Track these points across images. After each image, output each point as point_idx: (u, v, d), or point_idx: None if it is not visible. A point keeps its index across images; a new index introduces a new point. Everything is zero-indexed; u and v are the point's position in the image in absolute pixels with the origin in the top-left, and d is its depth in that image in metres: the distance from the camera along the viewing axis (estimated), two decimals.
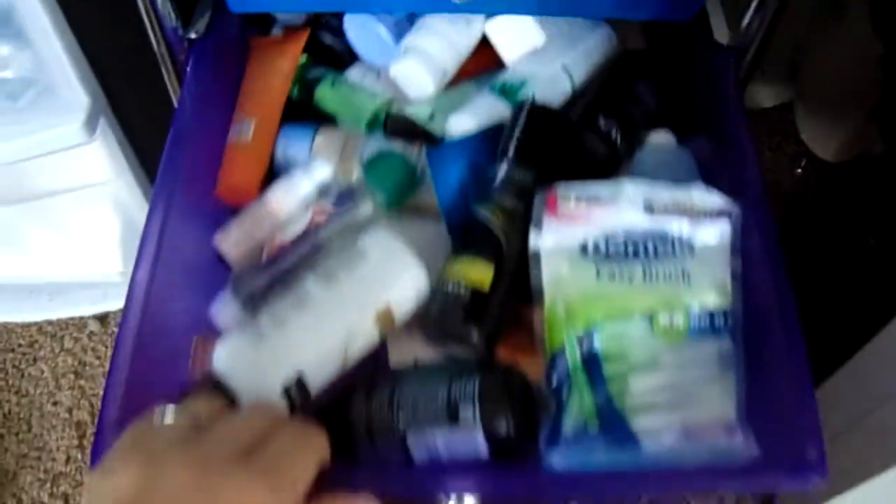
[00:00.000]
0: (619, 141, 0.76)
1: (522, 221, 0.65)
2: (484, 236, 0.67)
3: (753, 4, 0.76)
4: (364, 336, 0.63)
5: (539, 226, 0.63)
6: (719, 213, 0.63)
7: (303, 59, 0.87)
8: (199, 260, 0.75)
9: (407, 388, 0.62)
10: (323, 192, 0.75)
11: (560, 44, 0.82)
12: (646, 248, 0.63)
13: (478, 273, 0.65)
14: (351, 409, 0.62)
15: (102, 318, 1.35)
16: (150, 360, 0.64)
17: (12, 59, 0.91)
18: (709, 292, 0.61)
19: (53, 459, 1.25)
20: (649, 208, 0.63)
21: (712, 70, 0.81)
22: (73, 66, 0.92)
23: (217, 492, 0.41)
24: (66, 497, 1.22)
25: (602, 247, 0.63)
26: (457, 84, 0.84)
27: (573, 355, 0.60)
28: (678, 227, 0.63)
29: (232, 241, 0.74)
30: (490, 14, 0.81)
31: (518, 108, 0.74)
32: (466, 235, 0.69)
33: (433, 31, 0.80)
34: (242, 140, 0.82)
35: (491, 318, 0.65)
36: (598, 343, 0.60)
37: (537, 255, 0.63)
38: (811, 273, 1.29)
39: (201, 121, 0.81)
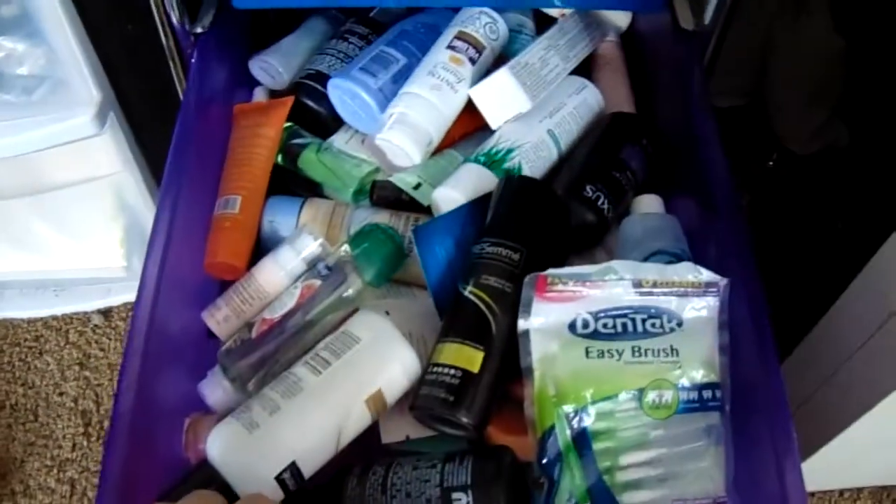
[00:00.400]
0: (606, 208, 0.76)
1: (511, 299, 0.65)
2: (473, 317, 0.66)
3: None
4: (357, 420, 0.63)
5: (528, 307, 0.62)
6: (707, 288, 0.64)
7: (287, 124, 0.87)
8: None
9: (401, 471, 0.61)
10: (311, 265, 0.75)
11: (545, 107, 0.82)
12: (634, 325, 0.62)
13: (467, 356, 0.64)
14: (343, 493, 0.62)
15: (106, 313, 1.40)
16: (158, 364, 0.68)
17: (27, 56, 0.97)
18: (697, 367, 0.61)
19: (60, 447, 1.29)
20: (637, 286, 0.63)
21: (679, 58, 0.87)
22: (86, 61, 0.98)
23: None
24: (72, 482, 1.26)
25: (591, 325, 0.62)
26: (443, 150, 0.84)
27: (563, 434, 0.60)
28: (666, 303, 0.63)
29: (220, 318, 0.75)
30: (468, 6, 0.86)
31: (500, 182, 0.74)
32: (455, 315, 0.67)
33: (418, 100, 0.79)
34: (229, 214, 0.80)
35: (481, 401, 0.63)
36: (588, 421, 0.60)
37: (527, 335, 0.62)
38: (784, 254, 1.35)
39: (207, 112, 0.86)
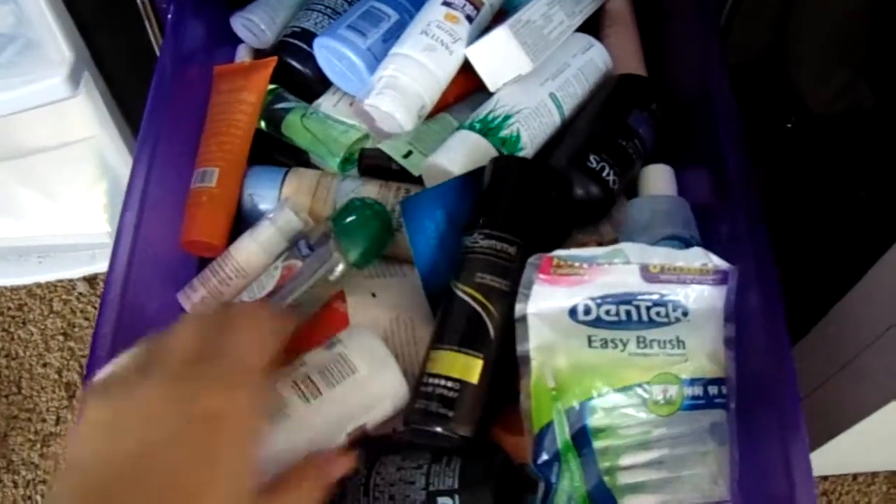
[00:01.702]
0: (611, 180, 0.70)
1: (508, 298, 0.59)
2: (467, 320, 0.60)
3: None
4: (333, 446, 0.57)
5: (528, 289, 0.58)
6: (714, 276, 0.59)
7: (270, 87, 0.82)
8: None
9: (384, 472, 0.58)
10: (292, 242, 0.71)
11: (547, 68, 0.76)
12: (639, 314, 0.58)
13: (464, 365, 0.58)
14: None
15: (91, 280, 1.36)
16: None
17: None
18: (703, 361, 0.58)
19: (43, 420, 1.25)
20: (644, 271, 0.59)
21: (693, 14, 0.81)
22: (56, 20, 0.92)
23: (182, 401, 0.41)
24: (56, 457, 1.22)
25: (593, 311, 0.58)
26: (437, 114, 0.79)
27: (563, 431, 0.55)
28: (672, 290, 0.59)
29: (197, 300, 0.71)
30: None
31: (490, 165, 0.67)
32: (447, 318, 0.61)
33: (410, 62, 0.73)
34: (206, 188, 0.75)
35: (481, 413, 0.58)
36: (589, 418, 0.55)
37: (524, 320, 0.57)
38: (803, 225, 1.29)
39: (185, 72, 0.80)
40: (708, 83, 0.74)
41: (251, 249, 0.71)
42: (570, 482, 0.54)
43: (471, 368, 0.58)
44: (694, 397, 0.57)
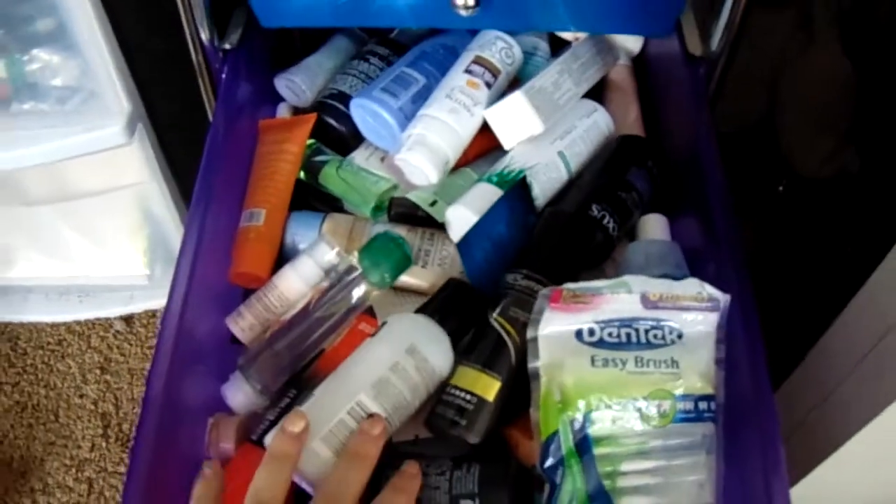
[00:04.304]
0: (612, 227, 0.79)
1: None
2: (495, 346, 0.69)
3: (722, 19, 0.85)
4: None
5: (539, 316, 0.65)
6: (708, 303, 0.65)
7: (309, 142, 0.90)
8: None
9: None
10: (327, 272, 0.79)
11: (556, 130, 0.85)
12: (638, 336, 0.65)
13: (484, 383, 0.68)
14: None
15: (127, 319, 1.44)
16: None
17: (63, 68, 1.01)
18: (695, 379, 0.63)
19: (79, 447, 1.33)
20: (644, 299, 0.65)
21: (686, 83, 0.89)
22: (118, 74, 1.02)
23: None
24: (90, 482, 1.30)
25: (597, 333, 0.65)
26: (459, 168, 0.88)
27: (567, 439, 0.62)
28: (669, 316, 0.65)
29: (244, 325, 0.79)
30: (483, 27, 0.89)
31: (546, 216, 0.78)
32: (478, 339, 0.71)
33: (436, 122, 0.82)
34: (254, 226, 0.84)
35: (490, 426, 0.67)
36: (591, 427, 0.62)
37: (535, 341, 0.65)
38: (794, 279, 1.37)
39: (234, 126, 0.89)
40: (698, 144, 0.83)
41: (292, 279, 0.79)
42: (573, 484, 0.62)
43: (489, 387, 0.68)
44: (686, 411, 0.63)
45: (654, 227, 0.82)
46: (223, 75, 0.92)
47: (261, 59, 0.98)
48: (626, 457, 0.62)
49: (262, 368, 0.74)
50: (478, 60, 0.86)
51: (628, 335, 0.65)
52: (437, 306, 0.73)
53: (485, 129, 0.86)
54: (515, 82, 0.89)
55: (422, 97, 0.87)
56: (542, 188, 0.82)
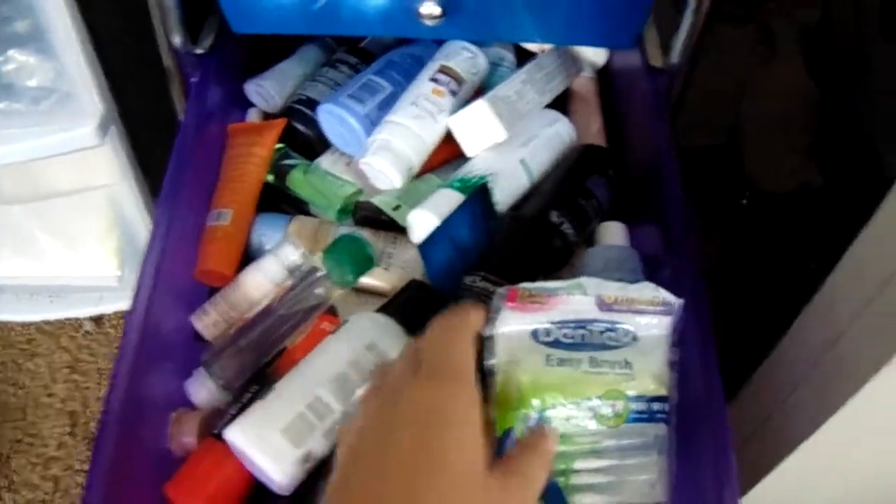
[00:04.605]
0: (570, 233, 0.81)
1: None
2: None
3: (682, 32, 0.88)
4: None
5: (496, 315, 0.66)
6: (663, 307, 0.67)
7: (278, 146, 0.92)
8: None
9: None
10: (291, 272, 0.81)
11: (519, 138, 0.87)
12: (593, 337, 0.65)
13: None
14: (317, 492, 0.65)
15: (97, 320, 1.45)
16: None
17: (38, 69, 1.02)
18: (648, 380, 0.64)
19: (45, 445, 1.34)
20: (600, 302, 0.66)
21: (647, 95, 0.92)
22: (92, 76, 1.04)
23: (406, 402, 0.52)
24: (56, 479, 1.30)
25: (553, 333, 0.65)
26: (423, 175, 0.90)
27: (522, 435, 0.63)
28: (624, 318, 0.66)
29: (210, 322, 0.80)
30: (449, 38, 0.92)
31: (507, 219, 0.81)
32: None
33: (400, 128, 0.85)
34: (221, 225, 0.86)
35: None
36: (545, 425, 0.63)
37: (492, 339, 0.65)
38: (756, 293, 1.40)
39: (204, 129, 0.91)
40: (657, 154, 0.85)
41: (256, 278, 0.81)
42: None
43: None
44: (639, 412, 0.64)
45: (613, 233, 0.84)
46: (194, 80, 0.93)
47: (233, 64, 1.00)
48: (580, 455, 0.63)
49: (226, 365, 0.76)
50: (443, 69, 0.89)
51: (583, 336, 0.66)
52: (398, 306, 0.75)
53: (450, 136, 0.88)
54: (480, 91, 0.91)
55: (388, 104, 0.89)
56: (504, 194, 0.84)
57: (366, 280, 0.82)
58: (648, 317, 0.67)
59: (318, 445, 0.66)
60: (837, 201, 1.38)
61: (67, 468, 1.31)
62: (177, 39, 0.91)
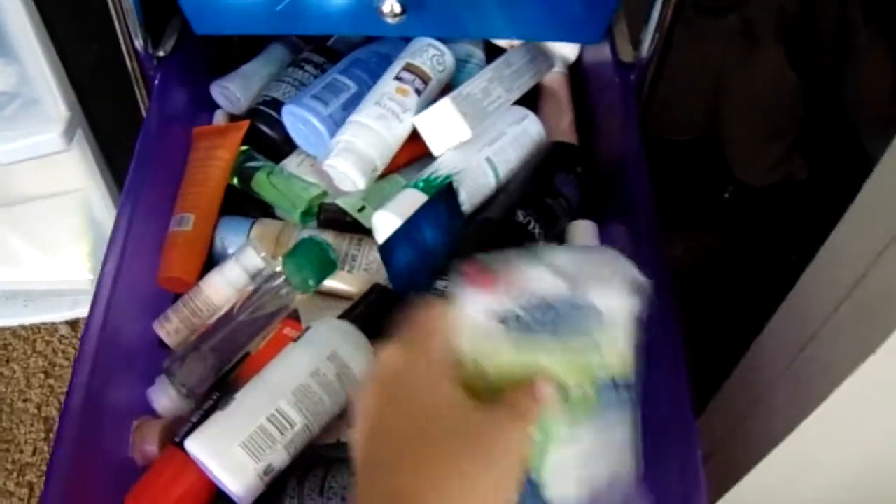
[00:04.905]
0: (537, 233, 0.79)
1: None
2: None
3: (651, 25, 0.86)
4: None
5: (457, 295, 0.62)
6: (630, 286, 0.64)
7: (242, 148, 0.90)
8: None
9: (339, 476, 0.65)
10: (254, 277, 0.80)
11: (485, 136, 0.85)
12: (559, 318, 0.63)
13: None
14: (284, 493, 0.65)
15: (73, 324, 1.44)
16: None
17: (1, 74, 1.01)
18: (615, 362, 0.63)
19: (21, 451, 1.32)
20: (565, 277, 0.64)
21: (617, 89, 0.91)
22: (55, 81, 1.02)
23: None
24: (31, 486, 1.29)
25: (518, 316, 0.63)
26: (388, 175, 0.88)
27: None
28: (591, 297, 0.63)
29: (172, 328, 0.79)
30: (416, 35, 0.90)
31: (477, 224, 0.79)
32: None
33: (364, 129, 0.83)
34: (182, 231, 0.84)
35: None
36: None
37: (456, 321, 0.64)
38: (739, 283, 1.39)
39: (167, 133, 0.90)
40: (626, 150, 0.84)
41: (218, 283, 0.80)
42: None
43: None
44: (607, 395, 0.61)
45: (583, 233, 0.83)
46: (156, 82, 0.92)
47: (197, 66, 0.98)
48: (552, 443, 0.60)
49: (187, 372, 0.75)
50: (408, 67, 0.87)
51: (548, 317, 0.63)
52: (360, 312, 0.74)
53: (416, 135, 0.87)
54: (448, 89, 0.89)
55: (353, 104, 0.87)
56: (469, 194, 0.82)
57: (329, 283, 0.81)
58: (615, 294, 0.63)
59: (278, 458, 0.65)
60: (822, 193, 1.37)
61: (42, 474, 1.30)
62: (138, 42, 0.90)
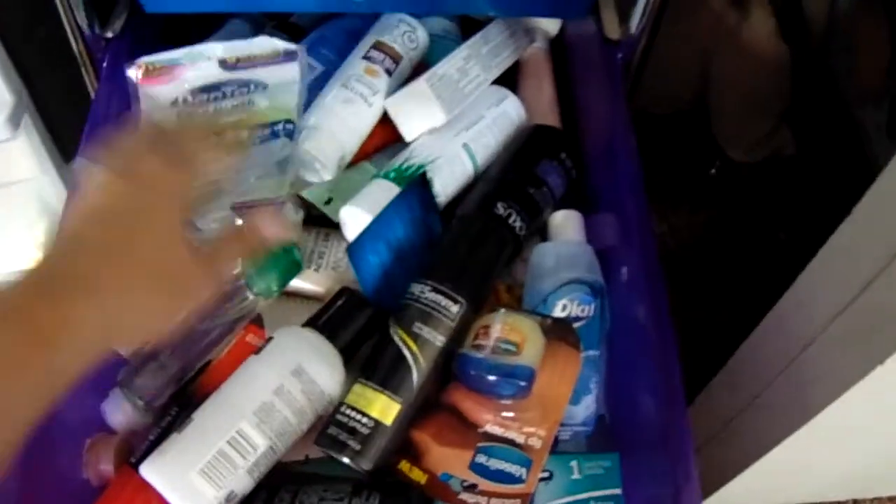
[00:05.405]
0: (518, 226, 0.73)
1: (440, 352, 0.64)
2: (396, 364, 0.64)
3: (641, 1, 0.80)
4: None
5: (136, 96, 0.75)
6: (285, 56, 0.76)
7: None
8: None
9: (307, 501, 0.62)
10: None
11: (462, 120, 0.79)
12: (222, 93, 0.75)
13: (383, 406, 0.62)
14: None
15: None
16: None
17: None
18: (272, 112, 0.74)
19: None
20: (223, 64, 0.76)
21: (603, 68, 0.85)
22: None
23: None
24: None
25: (186, 99, 0.75)
26: (357, 163, 0.82)
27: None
28: (251, 74, 0.76)
29: None
30: (386, 11, 0.84)
31: (457, 222, 0.73)
32: (378, 356, 0.65)
33: (330, 114, 0.78)
34: None
35: (386, 451, 0.62)
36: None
37: (137, 118, 0.75)
38: (723, 265, 1.34)
39: (117, 117, 0.83)
40: (613, 134, 0.79)
41: None
42: None
43: (388, 410, 0.63)
44: (263, 136, 0.73)
45: (567, 224, 0.77)
46: (104, 65, 0.86)
47: (149, 47, 0.91)
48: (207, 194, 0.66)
49: (143, 384, 0.69)
50: (378, 46, 0.81)
51: (211, 94, 0.76)
52: (328, 319, 0.68)
53: (386, 120, 0.80)
54: (422, 68, 0.83)
55: (319, 85, 0.81)
56: (444, 184, 0.76)
57: (295, 283, 0.75)
58: (273, 67, 0.76)
59: (240, 484, 0.60)
60: (811, 170, 1.33)
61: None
62: (83, 22, 0.84)
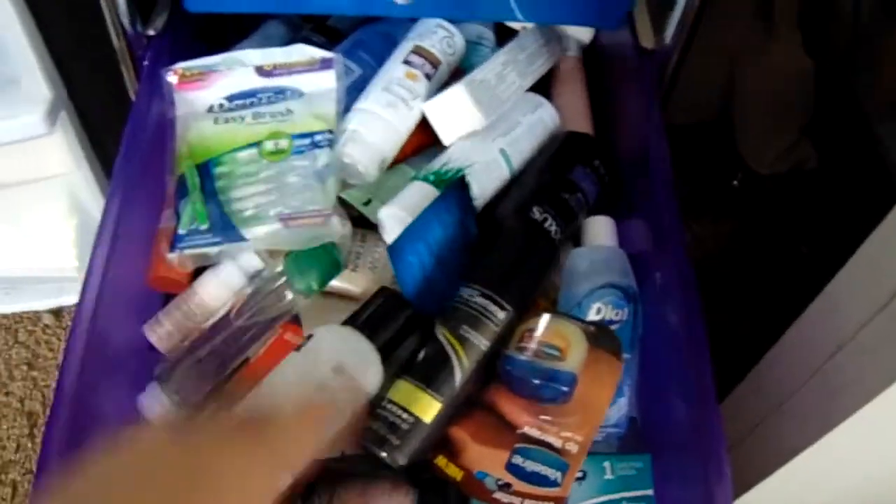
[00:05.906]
0: (554, 230, 0.73)
1: (484, 356, 0.65)
2: (440, 364, 0.65)
3: (676, 10, 0.81)
4: None
5: (171, 99, 0.77)
6: (322, 64, 0.78)
7: None
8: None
9: (347, 490, 0.63)
10: (252, 278, 0.75)
11: (499, 125, 0.80)
12: (258, 99, 0.77)
13: (425, 403, 0.63)
14: None
15: (57, 312, 1.38)
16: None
17: None
18: (310, 121, 0.75)
19: (3, 448, 1.27)
20: (260, 70, 0.78)
21: (637, 77, 0.86)
22: (37, 58, 0.96)
23: None
24: (14, 484, 1.24)
25: (223, 104, 0.77)
26: (396, 165, 0.83)
27: (192, 177, 0.73)
28: (288, 81, 0.77)
29: (164, 333, 0.74)
30: (425, 16, 0.84)
31: (509, 230, 0.73)
32: (422, 353, 0.66)
33: (372, 118, 0.78)
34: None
35: (423, 448, 0.63)
36: (214, 169, 0.73)
37: (172, 123, 0.77)
38: (745, 277, 1.35)
39: (157, 118, 0.83)
40: (647, 143, 0.79)
41: (213, 285, 0.74)
42: (193, 207, 0.72)
43: (429, 408, 0.63)
44: (301, 146, 0.74)
45: (600, 230, 0.78)
46: (146, 62, 0.86)
47: (188, 46, 0.92)
48: (244, 184, 0.73)
49: (181, 380, 0.70)
50: (417, 50, 0.82)
51: (248, 100, 0.77)
52: (368, 318, 0.68)
53: (423, 122, 0.81)
54: (458, 73, 0.84)
55: (357, 89, 0.82)
56: (482, 188, 0.77)
57: (333, 282, 0.75)
58: (309, 74, 0.78)
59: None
60: (833, 183, 1.33)
61: (27, 472, 1.24)
62: (126, 20, 0.84)
